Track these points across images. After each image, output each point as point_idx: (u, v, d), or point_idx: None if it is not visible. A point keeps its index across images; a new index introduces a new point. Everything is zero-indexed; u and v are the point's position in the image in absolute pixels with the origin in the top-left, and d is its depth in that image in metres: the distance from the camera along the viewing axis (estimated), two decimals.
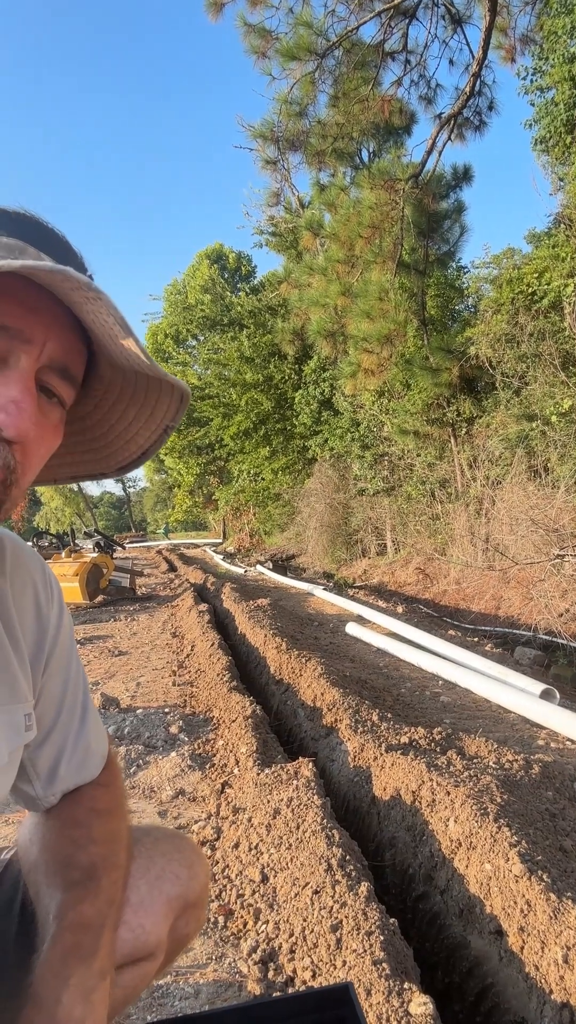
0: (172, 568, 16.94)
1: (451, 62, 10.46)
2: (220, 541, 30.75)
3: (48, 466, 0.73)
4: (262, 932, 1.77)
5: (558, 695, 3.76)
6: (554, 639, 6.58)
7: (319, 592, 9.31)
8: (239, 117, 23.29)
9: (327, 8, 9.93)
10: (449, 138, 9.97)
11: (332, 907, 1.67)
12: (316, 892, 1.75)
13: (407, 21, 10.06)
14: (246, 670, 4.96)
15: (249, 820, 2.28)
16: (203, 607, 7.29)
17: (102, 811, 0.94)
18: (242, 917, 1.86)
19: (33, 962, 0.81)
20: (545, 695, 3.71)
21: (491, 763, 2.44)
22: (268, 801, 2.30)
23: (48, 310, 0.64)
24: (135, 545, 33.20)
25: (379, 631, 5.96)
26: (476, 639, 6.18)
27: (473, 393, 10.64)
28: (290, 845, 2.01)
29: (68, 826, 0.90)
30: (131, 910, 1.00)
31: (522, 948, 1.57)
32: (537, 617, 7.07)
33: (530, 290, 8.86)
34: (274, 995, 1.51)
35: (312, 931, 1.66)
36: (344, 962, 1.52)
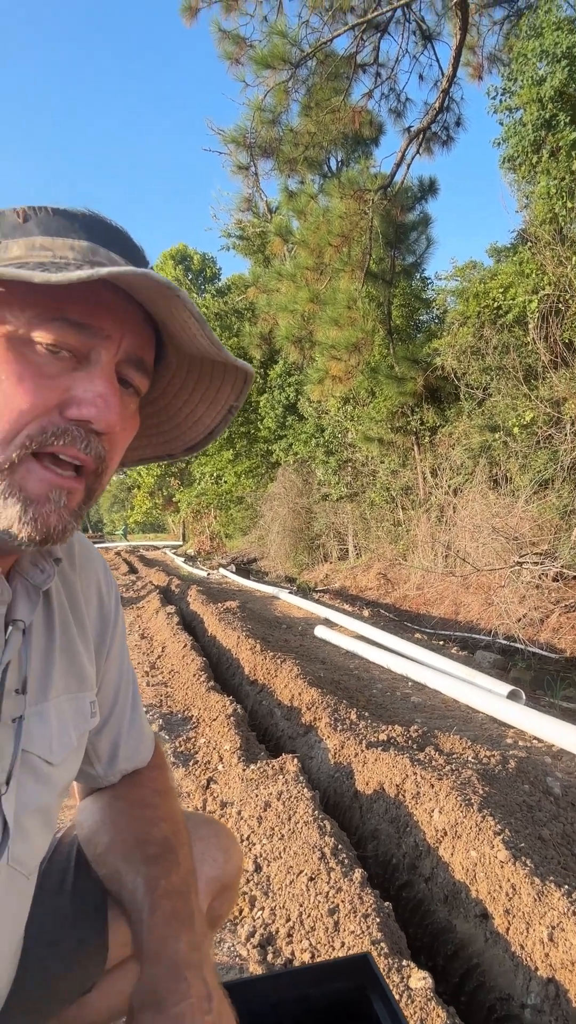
0: (133, 570, 16.83)
1: (421, 77, 10.70)
2: (180, 543, 30.62)
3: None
4: (258, 918, 1.85)
5: (524, 695, 3.91)
6: (512, 643, 6.77)
7: (285, 596, 9.40)
8: (209, 120, 23.31)
9: (301, 19, 10.05)
10: (418, 152, 10.16)
11: (328, 892, 1.76)
12: (311, 879, 1.84)
13: (379, 35, 10.24)
14: (218, 671, 5.02)
15: (238, 813, 2.35)
16: (170, 609, 7.31)
17: (163, 791, 1.01)
18: (237, 905, 1.94)
19: (94, 941, 0.89)
20: (512, 696, 3.85)
21: (470, 758, 2.56)
22: (257, 795, 2.38)
23: (123, 307, 0.69)
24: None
25: (347, 634, 6.08)
26: (440, 642, 6.33)
27: (437, 403, 10.86)
28: (282, 836, 2.09)
29: (137, 807, 0.97)
30: None
31: (507, 929, 1.67)
32: (496, 622, 7.28)
33: (495, 304, 9.09)
34: (296, 965, 1.59)
35: (309, 915, 1.74)
36: (343, 943, 1.60)
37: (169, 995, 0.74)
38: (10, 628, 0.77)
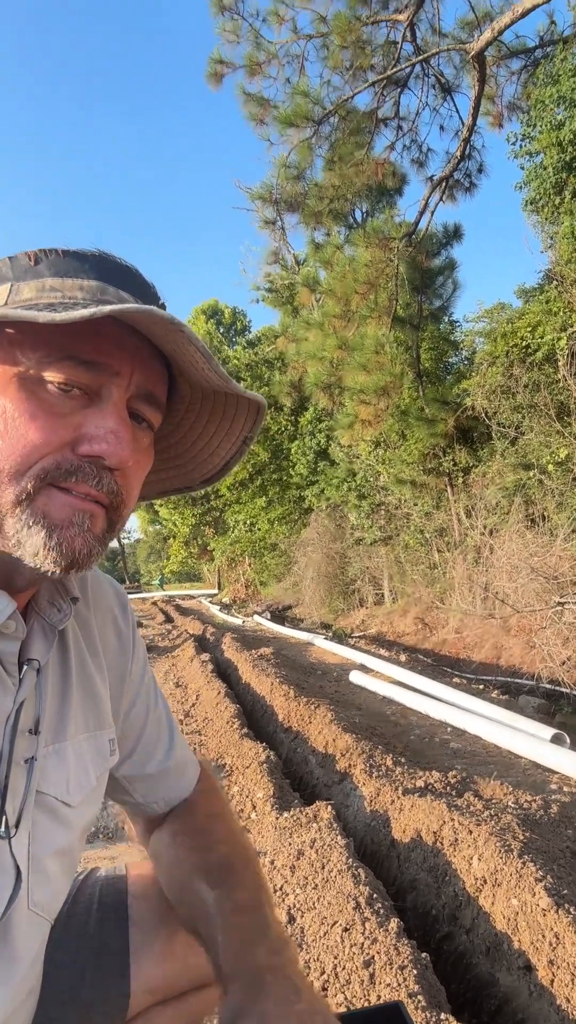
0: (169, 619, 16.85)
1: (441, 128, 10.93)
2: (215, 592, 30.65)
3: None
4: None
5: (568, 739, 3.79)
6: (557, 688, 6.58)
7: (319, 642, 9.30)
8: (237, 181, 24.11)
9: (323, 78, 10.36)
10: (441, 199, 10.32)
11: (363, 943, 1.69)
12: (346, 929, 1.77)
13: (399, 90, 10.51)
14: (252, 718, 4.96)
15: (272, 863, 2.29)
16: (205, 657, 7.28)
17: (216, 814, 1.00)
18: None
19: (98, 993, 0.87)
20: (556, 740, 3.73)
21: (510, 804, 2.47)
22: (290, 843, 2.32)
23: (131, 343, 0.70)
24: (130, 597, 32.93)
25: (383, 679, 5.97)
26: (481, 687, 6.19)
27: (469, 443, 10.83)
28: (316, 885, 2.03)
29: (191, 835, 0.96)
30: None
31: (552, 981, 1.59)
32: (539, 665, 7.08)
33: (524, 343, 9.11)
34: None
35: (344, 967, 1.67)
36: (379, 996, 1.54)
37: (251, 1001, 0.71)
38: (24, 667, 0.76)
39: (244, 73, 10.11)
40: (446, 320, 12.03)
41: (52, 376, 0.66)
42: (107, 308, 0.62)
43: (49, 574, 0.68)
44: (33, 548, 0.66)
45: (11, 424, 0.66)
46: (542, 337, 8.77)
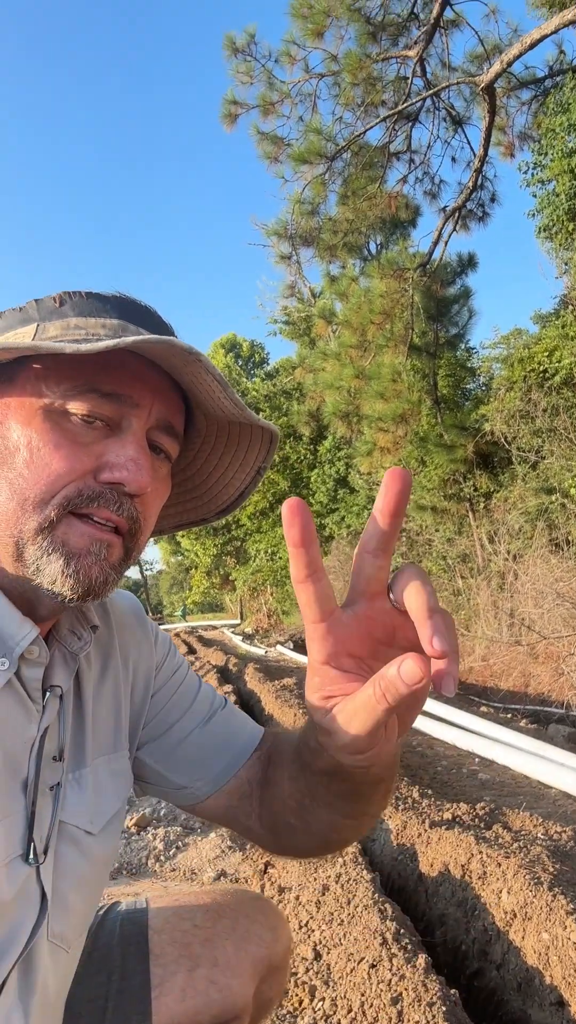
0: (191, 651, 16.80)
1: (453, 159, 11.06)
2: (238, 622, 30.54)
3: (157, 518, 0.81)
4: (319, 1009, 1.75)
5: None
6: None
7: None
8: (253, 217, 24.57)
9: (335, 115, 10.55)
10: (454, 229, 10.42)
11: (391, 980, 1.66)
12: (373, 966, 1.74)
13: (411, 124, 10.67)
14: None
15: (297, 899, 2.26)
16: (228, 688, 7.24)
17: (277, 736, 0.98)
18: (297, 995, 1.84)
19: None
20: None
21: (539, 835, 2.42)
22: (315, 879, 2.29)
23: (151, 376, 0.73)
24: None
25: None
26: (509, 716, 6.10)
27: (489, 468, 10.81)
28: (342, 921, 2.00)
29: (277, 767, 0.93)
30: (219, 970, 1.02)
31: None
32: (569, 693, 6.96)
33: (541, 368, 9.11)
34: None
35: (371, 1005, 1.64)
36: None
37: None
38: (48, 694, 0.77)
39: (258, 113, 10.32)
40: (462, 347, 12.10)
41: (76, 408, 0.70)
42: (129, 339, 0.65)
43: (66, 601, 0.70)
44: (51, 575, 0.69)
45: (36, 454, 0.69)
46: (560, 361, 8.78)
